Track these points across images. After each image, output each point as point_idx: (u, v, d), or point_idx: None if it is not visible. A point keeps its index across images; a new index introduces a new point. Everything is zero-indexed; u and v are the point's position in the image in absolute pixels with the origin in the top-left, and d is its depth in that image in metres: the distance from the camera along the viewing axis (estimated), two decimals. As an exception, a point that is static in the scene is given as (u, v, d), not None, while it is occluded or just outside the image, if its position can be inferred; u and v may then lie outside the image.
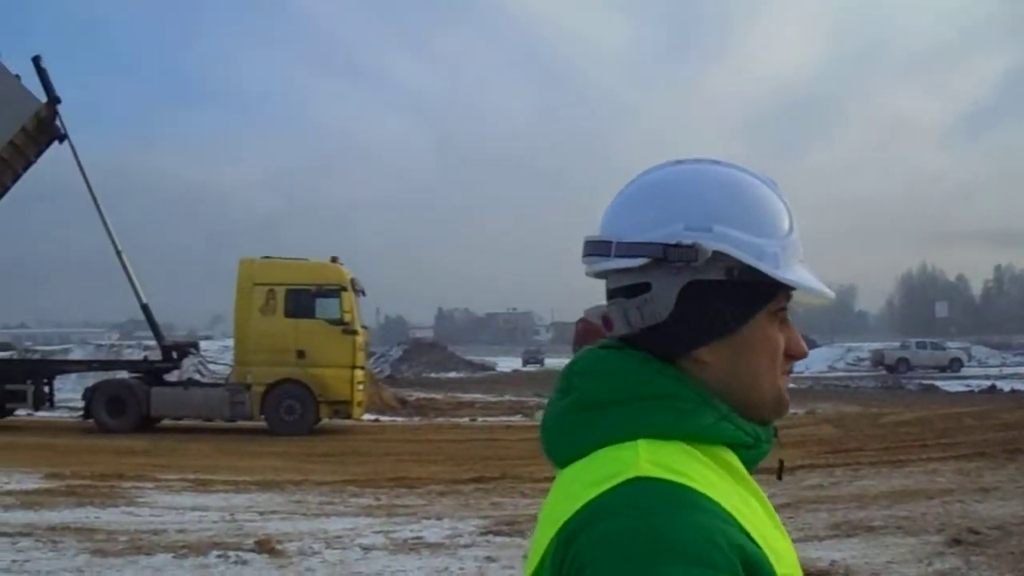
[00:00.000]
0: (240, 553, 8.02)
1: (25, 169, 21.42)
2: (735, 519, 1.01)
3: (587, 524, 1.00)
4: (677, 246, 1.10)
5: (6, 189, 21.40)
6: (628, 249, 1.13)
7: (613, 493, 1.01)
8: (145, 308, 21.34)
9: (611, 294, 1.18)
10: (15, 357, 31.36)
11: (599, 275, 1.20)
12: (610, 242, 1.15)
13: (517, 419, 23.16)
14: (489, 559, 7.90)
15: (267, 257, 20.32)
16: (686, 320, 1.12)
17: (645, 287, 1.13)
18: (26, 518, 9.54)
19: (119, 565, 7.62)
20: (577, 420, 1.12)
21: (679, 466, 1.04)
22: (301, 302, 19.35)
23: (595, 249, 1.18)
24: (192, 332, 27.22)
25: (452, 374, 53.05)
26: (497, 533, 8.84)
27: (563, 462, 1.14)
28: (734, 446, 1.12)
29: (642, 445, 1.06)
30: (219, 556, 7.93)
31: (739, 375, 1.13)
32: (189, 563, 7.74)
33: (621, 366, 1.13)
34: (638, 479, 1.02)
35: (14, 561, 7.59)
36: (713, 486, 1.04)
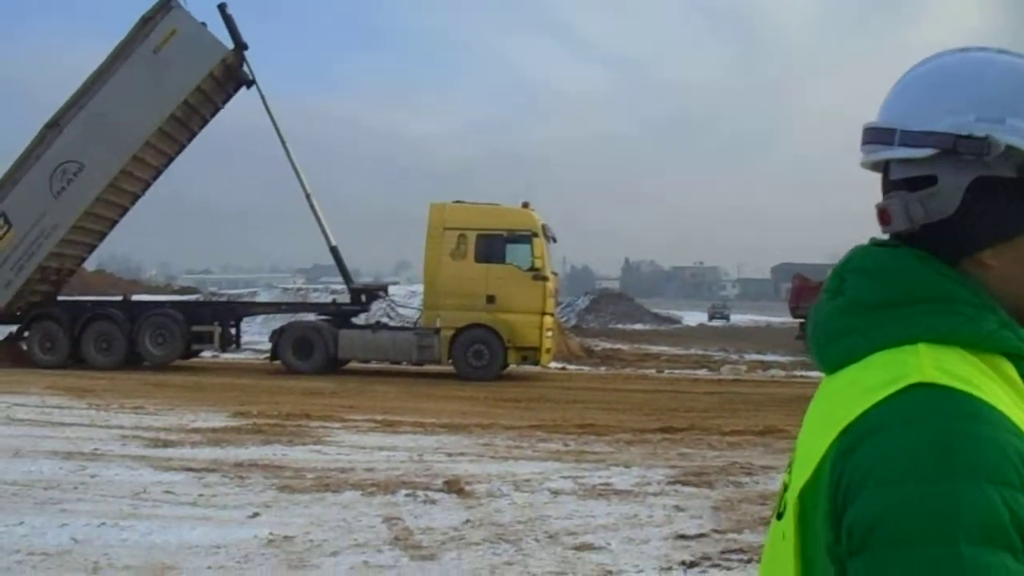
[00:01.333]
0: (429, 493, 9.53)
1: (212, 115, 25.56)
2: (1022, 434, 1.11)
3: (869, 434, 1.12)
4: (969, 138, 1.21)
5: (193, 135, 25.70)
6: (914, 139, 1.25)
7: (896, 400, 1.13)
8: (334, 250, 24.95)
9: (890, 186, 1.32)
10: (202, 299, 35.88)
11: (875, 167, 1.36)
12: (894, 130, 1.28)
13: (703, 373, 25.98)
14: (677, 508, 9.02)
15: (458, 202, 23.54)
16: (972, 218, 1.23)
17: (930, 180, 1.25)
18: (213, 454, 11.59)
19: (306, 501, 9.19)
20: (851, 322, 1.26)
21: (964, 373, 1.15)
22: (492, 247, 22.50)
23: (876, 137, 1.31)
24: (377, 278, 30.19)
25: (638, 326, 59.79)
26: (685, 483, 10.05)
27: (834, 366, 1.28)
28: (1013, 357, 1.21)
29: (923, 349, 1.18)
30: (407, 495, 9.43)
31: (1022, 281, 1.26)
32: (377, 501, 9.26)
33: (899, 265, 1.26)
34: (922, 385, 1.13)
35: (200, 495, 9.33)
36: (997, 397, 1.14)
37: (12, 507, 8.69)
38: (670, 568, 7.07)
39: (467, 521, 8.44)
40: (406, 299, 28.48)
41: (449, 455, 11.77)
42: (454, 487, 9.63)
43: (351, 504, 9.10)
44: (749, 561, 7.17)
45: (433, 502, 9.17)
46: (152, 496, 9.27)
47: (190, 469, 10.60)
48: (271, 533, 7.92)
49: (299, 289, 45.10)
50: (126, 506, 8.83)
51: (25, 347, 24.89)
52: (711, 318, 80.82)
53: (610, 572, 6.96)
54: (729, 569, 7.04)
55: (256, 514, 8.64)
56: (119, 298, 27.27)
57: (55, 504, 8.83)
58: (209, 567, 7.01)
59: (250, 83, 24.96)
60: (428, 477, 10.26)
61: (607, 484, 10.03)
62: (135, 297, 29.41)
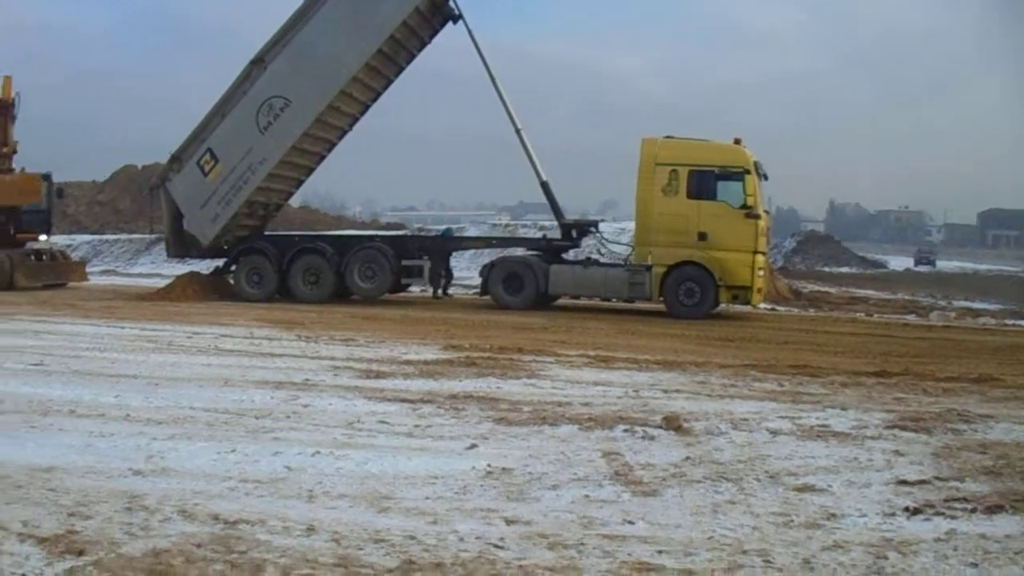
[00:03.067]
0: (647, 429, 9.32)
1: (419, 50, 25.85)
2: None
3: None
4: None
5: (400, 70, 26.05)
6: None
7: None
8: (544, 185, 24.92)
9: None
10: (410, 234, 36.58)
11: None
12: None
13: (912, 318, 25.66)
14: (897, 453, 8.60)
15: (669, 137, 23.22)
16: None
17: None
18: (426, 386, 11.59)
19: (524, 434, 9.02)
20: None
21: None
22: (704, 183, 22.41)
23: None
24: (583, 216, 30.28)
25: (844, 269, 61.01)
26: (903, 428, 9.65)
27: None
28: None
29: None
30: (625, 430, 9.24)
31: None
32: (595, 435, 9.06)
33: None
34: None
35: (416, 426, 9.25)
36: None
37: (224, 435, 8.75)
38: (893, 514, 6.69)
39: (687, 458, 8.22)
40: (615, 236, 28.27)
41: (665, 392, 11.60)
42: (672, 423, 9.44)
43: (569, 438, 8.92)
44: (973, 511, 6.74)
45: (652, 438, 8.97)
46: (366, 426, 9.23)
47: (404, 400, 10.56)
48: (489, 465, 7.78)
49: (507, 225, 45.70)
50: (340, 435, 8.78)
51: (232, 281, 25.84)
52: (917, 263, 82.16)
53: (833, 515, 6.65)
54: (954, 518, 6.57)
55: (473, 445, 8.51)
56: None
57: (267, 433, 8.86)
58: (427, 497, 6.86)
59: (456, 18, 25.00)
60: (645, 413, 10.08)
61: (824, 426, 9.75)
62: (344, 232, 30.21)
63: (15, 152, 29.70)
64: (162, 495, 6.77)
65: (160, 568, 5.36)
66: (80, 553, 5.58)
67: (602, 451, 8.39)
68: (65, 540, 5.79)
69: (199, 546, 5.69)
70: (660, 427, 9.37)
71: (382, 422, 9.41)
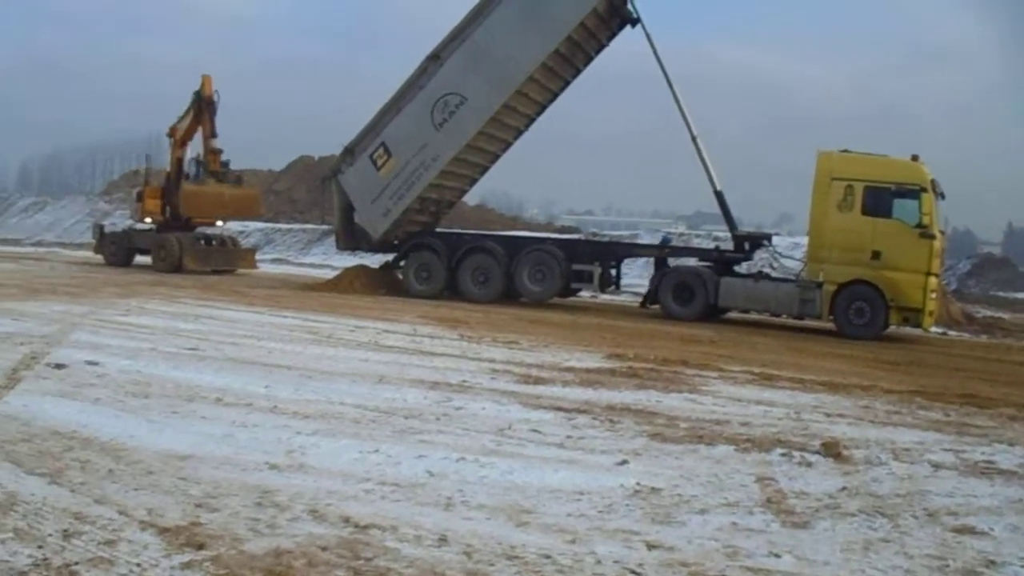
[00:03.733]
0: (805, 454, 8.79)
1: (597, 52, 25.53)
2: None
3: None
4: None
5: (577, 72, 25.77)
6: None
7: None
8: (719, 195, 24.36)
9: None
10: (579, 238, 36.42)
11: None
12: None
13: None
14: None
15: (846, 151, 22.33)
16: None
17: None
18: (584, 395, 11.22)
19: (678, 452, 8.60)
20: None
21: None
22: (879, 200, 21.48)
23: None
24: (758, 228, 29.60)
25: (1020, 294, 55.83)
26: None
27: None
28: None
29: None
30: (783, 454, 8.73)
31: None
32: (751, 458, 8.57)
33: None
34: None
35: (568, 437, 8.91)
36: None
37: (369, 434, 8.55)
38: (1061, 567, 6.01)
39: (843, 488, 7.70)
40: (788, 251, 27.50)
41: (827, 415, 10.99)
42: (831, 450, 8.90)
43: (724, 459, 8.48)
44: None
45: (808, 464, 8.45)
46: (517, 434, 8.91)
47: (560, 409, 10.22)
48: (638, 483, 7.39)
49: (681, 234, 45.23)
50: (488, 442, 8.49)
51: (400, 276, 25.97)
52: (1102, 291, 75.79)
53: (992, 562, 6.10)
54: None
55: (624, 461, 8.11)
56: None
57: (414, 434, 8.63)
58: (569, 514, 6.50)
59: (635, 21, 24.58)
60: (805, 437, 9.56)
61: (990, 462, 9.02)
62: (515, 232, 30.22)
63: (215, 151, 30.55)
64: (295, 492, 6.60)
65: (280, 569, 5.17)
66: (200, 547, 5.43)
67: (756, 475, 7.94)
68: (187, 532, 5.66)
69: (324, 549, 5.48)
70: (818, 453, 8.86)
71: (534, 430, 9.08)
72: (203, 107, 30.22)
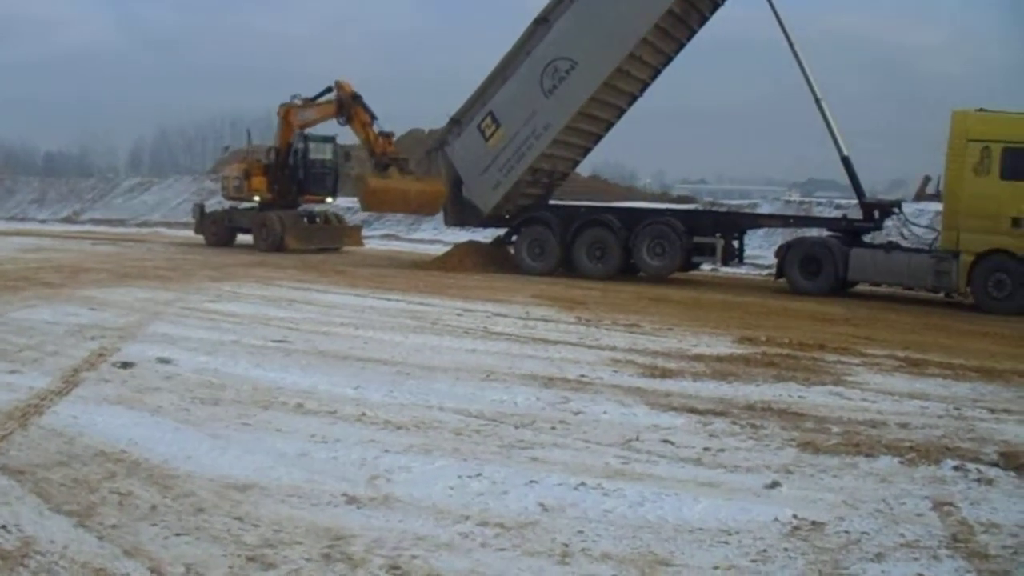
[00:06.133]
0: (980, 467, 7.35)
1: (711, 12, 23.91)
2: None
3: None
4: None
5: (692, 33, 24.18)
6: None
7: None
8: (846, 160, 22.67)
9: None
10: (701, 209, 34.87)
11: None
12: None
13: None
14: None
15: (982, 110, 20.66)
16: None
17: None
18: (718, 391, 9.86)
19: (834, 468, 7.17)
20: None
21: None
22: (1020, 163, 19.75)
23: None
24: (872, 195, 27.81)
25: None
26: None
27: None
28: None
29: None
30: (955, 468, 7.31)
31: None
32: (920, 473, 7.16)
33: None
34: None
35: (706, 449, 7.50)
36: None
37: (471, 449, 7.28)
38: None
39: None
40: (912, 218, 25.66)
41: (991, 411, 9.51)
42: (1012, 462, 7.40)
43: (890, 476, 7.04)
44: None
45: (989, 482, 6.99)
46: (646, 446, 7.54)
47: (692, 410, 8.84)
48: (795, 516, 6.00)
49: (802, 202, 43.48)
50: (613, 459, 7.13)
51: (512, 251, 24.69)
52: None
53: None
54: None
55: (775, 483, 6.71)
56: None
57: (525, 449, 7.31)
58: (715, 567, 5.21)
59: None
60: (975, 442, 8.11)
61: None
62: (632, 204, 28.89)
63: (385, 134, 29.07)
64: (375, 538, 5.39)
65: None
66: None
67: (932, 500, 6.51)
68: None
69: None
70: (997, 465, 7.38)
71: (665, 441, 7.70)
72: (348, 103, 28.92)
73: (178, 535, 5.42)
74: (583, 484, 6.42)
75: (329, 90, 29.45)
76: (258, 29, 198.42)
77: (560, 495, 6.21)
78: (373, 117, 28.20)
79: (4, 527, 5.56)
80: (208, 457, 6.96)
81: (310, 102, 30.29)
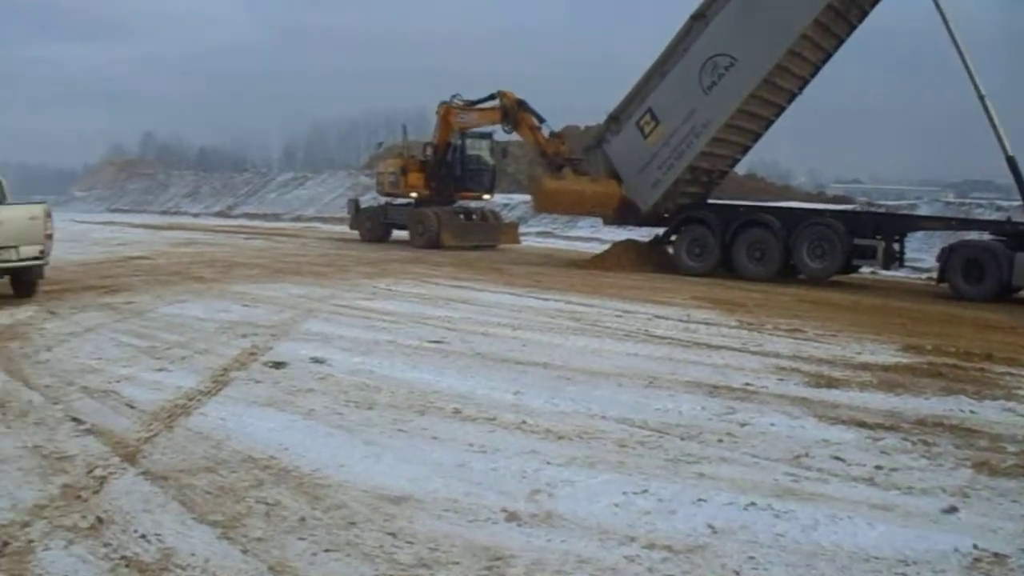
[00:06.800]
0: None
1: (872, 6, 23.04)
2: None
3: None
4: None
5: (852, 28, 23.38)
6: None
7: None
8: (1011, 160, 21.49)
9: None
10: (859, 210, 33.83)
11: None
12: None
13: None
14: None
15: None
16: None
17: None
18: (887, 403, 9.35)
19: (1013, 492, 6.65)
20: None
21: None
22: None
23: None
24: None
25: None
26: None
27: None
28: None
29: None
30: None
31: None
32: None
33: None
34: None
35: (877, 468, 7.07)
36: None
37: (636, 463, 6.97)
38: None
39: None
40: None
41: None
42: None
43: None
44: None
45: None
46: (816, 463, 7.15)
47: (861, 424, 8.38)
48: (975, 547, 5.57)
49: (962, 204, 41.98)
50: (782, 476, 6.76)
51: (672, 251, 24.26)
52: None
53: None
54: None
55: (952, 508, 6.26)
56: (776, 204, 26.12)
57: (691, 464, 7.00)
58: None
59: None
60: None
61: None
62: (791, 204, 28.21)
63: (556, 135, 28.75)
64: (535, 559, 5.17)
65: None
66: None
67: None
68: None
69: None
70: None
71: (836, 458, 7.30)
72: (514, 110, 28.84)
73: (327, 551, 5.28)
74: (753, 504, 6.11)
75: (492, 97, 29.44)
76: (410, 27, 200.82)
77: (730, 516, 5.91)
78: (541, 120, 28.08)
79: (144, 537, 5.47)
80: (361, 466, 6.81)
81: (471, 106, 30.33)
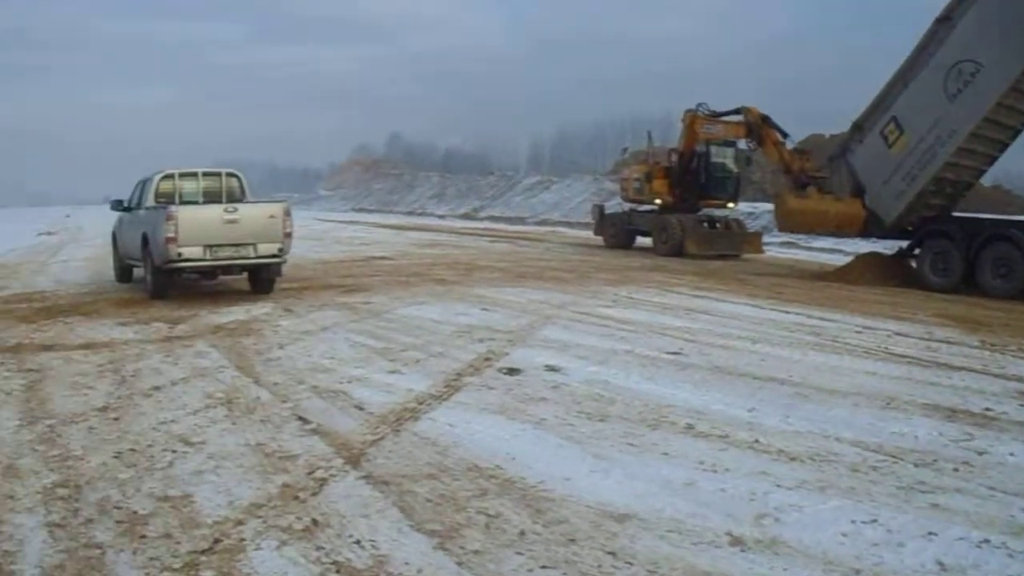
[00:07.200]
0: None
1: None
2: None
3: None
4: None
5: None
6: None
7: None
8: None
9: None
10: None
11: None
12: None
13: None
14: None
15: None
16: None
17: None
18: None
19: None
20: None
21: None
22: None
23: None
24: None
25: None
26: None
27: None
28: None
29: None
30: None
31: None
32: None
33: None
34: None
35: None
36: None
37: (867, 490, 6.72)
38: None
39: None
40: None
41: None
42: None
43: None
44: None
45: None
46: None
47: None
48: None
49: None
50: (1019, 512, 6.35)
51: (915, 265, 23.28)
52: None
53: None
54: None
55: None
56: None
57: (924, 493, 6.70)
58: None
59: None
60: None
61: None
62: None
63: (800, 151, 28.25)
64: (759, 590, 5.03)
65: None
66: None
67: None
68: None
69: None
70: None
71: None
72: (758, 126, 28.43)
73: (544, 568, 5.28)
74: (986, 541, 5.81)
75: (736, 111, 29.10)
76: (652, 32, 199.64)
77: (960, 552, 5.65)
78: (784, 135, 27.56)
79: (359, 542, 5.58)
80: (587, 481, 6.78)
81: (716, 117, 30.04)
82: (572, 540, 5.67)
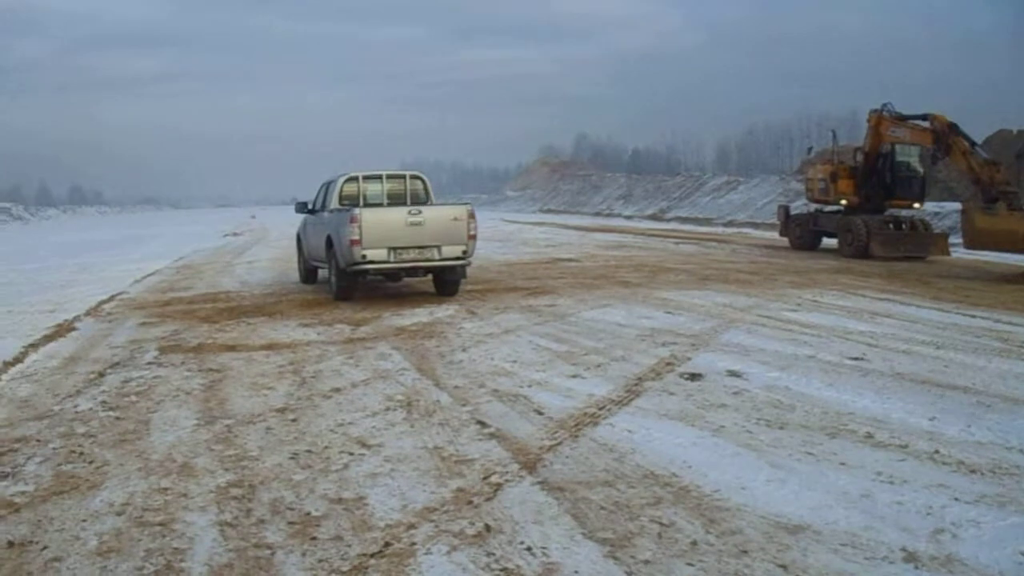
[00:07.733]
0: None
1: None
2: None
3: None
4: None
5: None
6: None
7: None
8: None
9: None
10: None
11: None
12: None
13: None
14: None
15: None
16: None
17: None
18: None
19: None
20: None
21: None
22: None
23: None
24: None
25: None
26: None
27: None
28: None
29: None
30: None
31: None
32: None
33: None
34: None
35: None
36: None
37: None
38: None
39: None
40: None
41: None
42: None
43: None
44: None
45: None
46: None
47: None
48: None
49: None
50: None
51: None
52: None
53: None
54: None
55: None
56: None
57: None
58: None
59: None
60: None
61: None
62: None
63: (990, 162, 26.32)
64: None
65: None
66: None
67: None
68: None
69: None
70: None
71: None
72: (946, 134, 27.17)
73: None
74: None
75: (923, 117, 27.95)
76: (841, 30, 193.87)
77: None
78: (973, 144, 26.30)
79: (530, 549, 5.50)
80: (763, 490, 6.58)
81: (902, 120, 28.96)
82: (744, 552, 5.51)
